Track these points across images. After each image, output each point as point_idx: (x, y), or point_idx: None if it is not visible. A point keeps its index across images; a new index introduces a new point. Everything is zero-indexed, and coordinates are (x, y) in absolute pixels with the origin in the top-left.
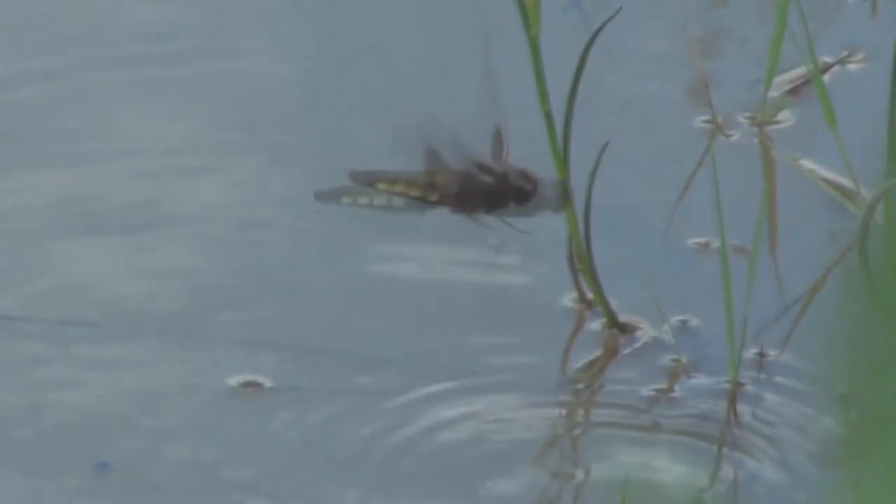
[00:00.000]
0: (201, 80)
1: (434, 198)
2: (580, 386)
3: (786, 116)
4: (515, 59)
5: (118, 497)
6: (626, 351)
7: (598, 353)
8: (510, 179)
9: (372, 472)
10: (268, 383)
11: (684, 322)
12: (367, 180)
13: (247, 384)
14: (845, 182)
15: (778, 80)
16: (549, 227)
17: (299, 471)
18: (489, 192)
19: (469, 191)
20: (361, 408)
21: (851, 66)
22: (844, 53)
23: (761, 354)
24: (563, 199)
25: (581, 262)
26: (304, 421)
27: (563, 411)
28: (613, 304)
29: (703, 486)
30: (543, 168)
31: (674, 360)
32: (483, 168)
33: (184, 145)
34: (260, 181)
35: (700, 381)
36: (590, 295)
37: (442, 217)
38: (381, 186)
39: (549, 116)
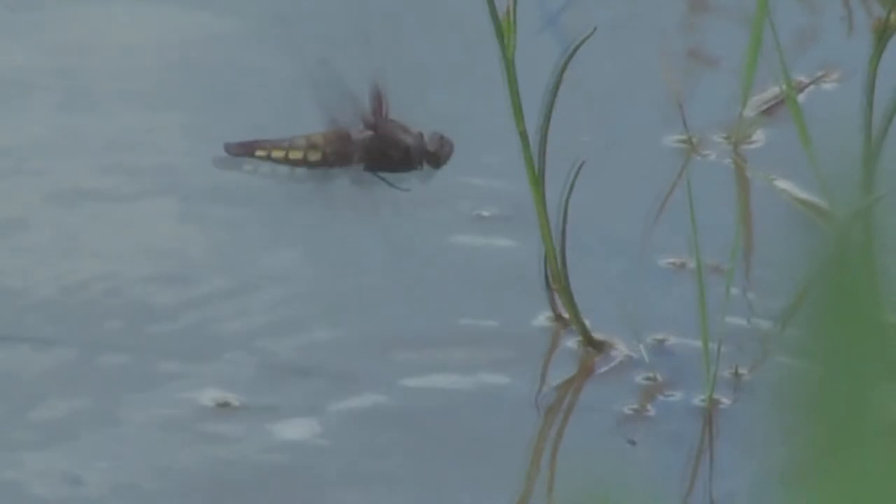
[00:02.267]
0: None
1: (315, 158)
2: (555, 404)
3: (761, 136)
4: (490, 79)
5: None
6: (602, 369)
7: (573, 371)
8: (427, 143)
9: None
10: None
11: (660, 341)
12: (244, 150)
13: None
14: (820, 202)
15: (753, 99)
16: (524, 245)
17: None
18: (404, 155)
19: (381, 150)
20: (330, 426)
21: (827, 86)
22: (820, 73)
23: (737, 373)
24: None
25: (556, 281)
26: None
27: (538, 429)
28: (589, 322)
29: (677, 502)
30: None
31: (649, 379)
32: (398, 130)
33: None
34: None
35: (675, 399)
36: (565, 314)
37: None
38: (260, 154)
39: (524, 136)
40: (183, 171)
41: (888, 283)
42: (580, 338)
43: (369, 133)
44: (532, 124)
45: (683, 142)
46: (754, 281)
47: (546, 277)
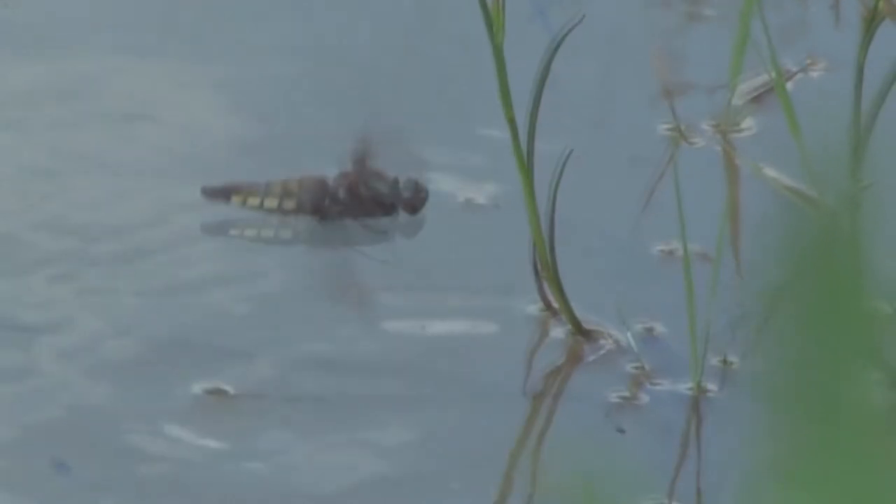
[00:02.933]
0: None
1: (290, 206)
2: (544, 393)
3: (749, 124)
4: (479, 67)
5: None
6: (591, 358)
7: (561, 359)
8: (402, 190)
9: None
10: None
11: (648, 329)
12: (221, 195)
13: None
14: (808, 190)
15: (741, 88)
16: (511, 234)
17: None
18: (380, 202)
19: (357, 197)
20: (319, 417)
21: (815, 74)
22: (808, 61)
23: (725, 361)
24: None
25: (545, 270)
26: None
27: (526, 417)
28: (578, 311)
29: (665, 493)
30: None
31: (638, 367)
32: (374, 178)
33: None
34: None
35: (664, 387)
36: (554, 302)
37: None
38: (235, 199)
39: (512, 123)
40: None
41: (874, 272)
42: (569, 326)
43: (345, 180)
44: (521, 112)
45: (672, 130)
46: (743, 269)
47: (534, 265)
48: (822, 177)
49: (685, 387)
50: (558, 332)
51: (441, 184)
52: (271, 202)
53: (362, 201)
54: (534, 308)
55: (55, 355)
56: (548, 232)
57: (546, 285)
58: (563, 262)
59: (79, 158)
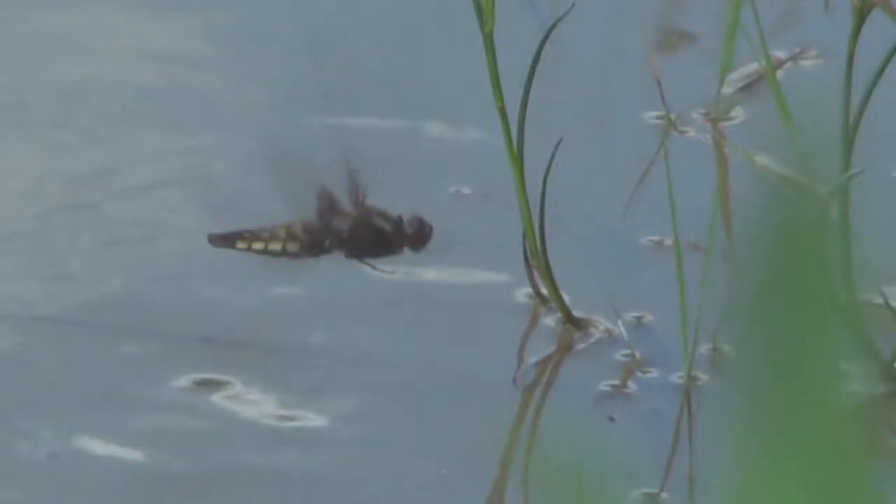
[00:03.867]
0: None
1: (294, 249)
2: (534, 382)
3: (740, 113)
4: (469, 56)
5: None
6: (581, 347)
7: (552, 349)
8: (405, 228)
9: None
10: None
11: (639, 318)
12: (227, 241)
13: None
14: (799, 178)
15: (732, 76)
16: (502, 224)
17: None
18: (383, 239)
19: (361, 237)
20: (307, 406)
21: (806, 63)
22: (798, 50)
23: (715, 350)
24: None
25: (536, 259)
26: None
27: (517, 406)
28: (568, 300)
29: (656, 482)
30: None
31: (628, 357)
32: (375, 214)
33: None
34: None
35: (654, 377)
36: (544, 291)
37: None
38: (241, 245)
39: (503, 112)
40: None
41: (860, 260)
42: (559, 315)
43: (348, 221)
44: (511, 101)
45: (662, 119)
46: (732, 257)
47: (525, 254)
48: (812, 166)
49: (676, 376)
50: (549, 321)
51: (430, 174)
52: (275, 246)
53: (367, 241)
54: (524, 297)
55: None
56: (538, 220)
57: (536, 275)
58: (553, 251)
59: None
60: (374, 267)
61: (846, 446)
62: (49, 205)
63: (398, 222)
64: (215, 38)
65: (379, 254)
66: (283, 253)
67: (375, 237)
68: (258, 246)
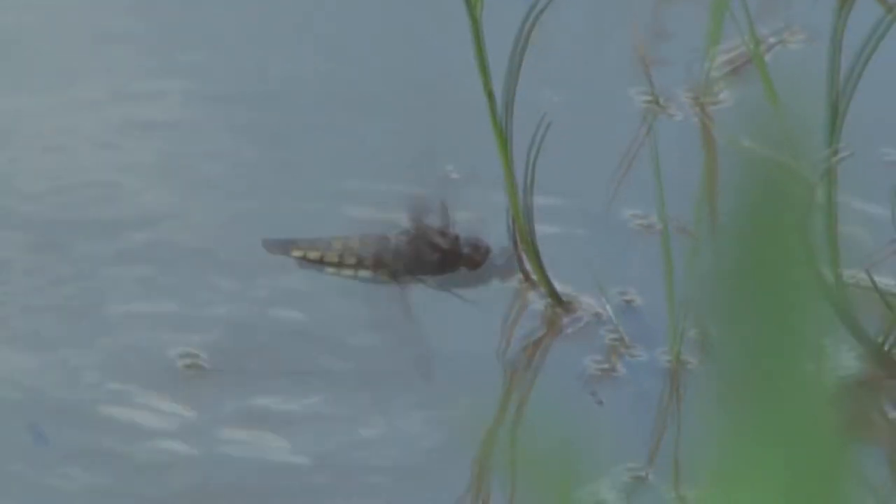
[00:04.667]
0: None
1: (351, 262)
2: (523, 364)
3: (726, 95)
4: (457, 39)
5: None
6: (570, 329)
7: (541, 331)
8: (462, 247)
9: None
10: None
11: (627, 301)
12: (281, 248)
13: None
14: (787, 160)
15: (719, 59)
16: (490, 205)
17: None
18: (441, 259)
19: (418, 254)
20: (294, 392)
21: (792, 45)
22: (785, 33)
23: (701, 331)
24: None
25: (523, 242)
26: None
27: (505, 388)
28: (556, 283)
29: (643, 463)
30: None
31: (616, 338)
32: (434, 234)
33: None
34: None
35: (642, 358)
36: (533, 274)
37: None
38: (296, 253)
39: (491, 96)
40: None
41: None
42: (547, 298)
43: (406, 237)
44: (499, 84)
45: (650, 101)
46: (719, 239)
47: (513, 237)
48: (799, 147)
49: (663, 358)
50: (537, 303)
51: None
52: (332, 257)
53: (424, 259)
54: (512, 280)
55: None
56: (525, 202)
57: (524, 257)
58: (541, 234)
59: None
60: (427, 285)
61: (828, 427)
62: None
63: (455, 241)
64: None
65: (435, 272)
66: (340, 264)
67: (432, 255)
68: (314, 255)
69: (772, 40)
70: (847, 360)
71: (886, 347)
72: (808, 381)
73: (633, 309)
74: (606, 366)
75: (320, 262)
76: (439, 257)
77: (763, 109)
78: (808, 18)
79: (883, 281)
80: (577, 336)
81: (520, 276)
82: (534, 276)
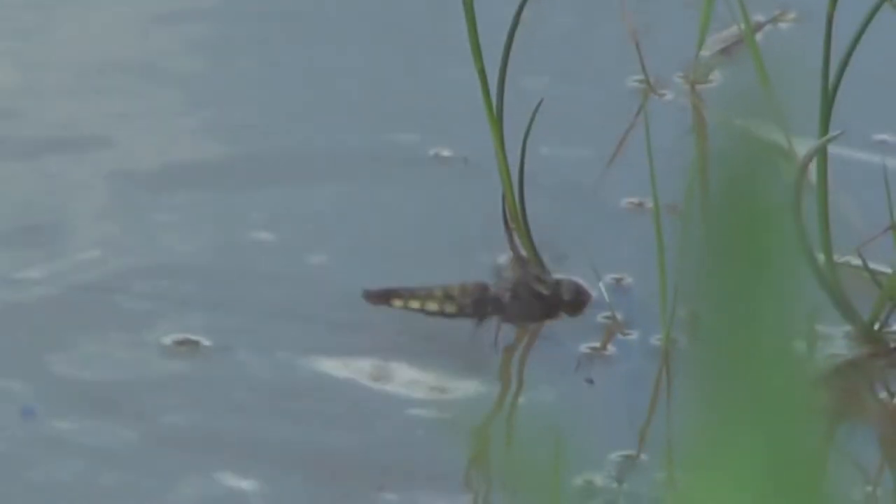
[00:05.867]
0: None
1: (452, 310)
2: (513, 343)
3: (719, 76)
4: (448, 17)
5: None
6: None
7: None
8: (563, 293)
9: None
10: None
11: (618, 280)
12: (383, 298)
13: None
14: (777, 142)
15: (710, 39)
16: (480, 187)
17: None
18: (543, 307)
19: (521, 302)
20: (289, 364)
21: (785, 26)
22: (777, 13)
23: (693, 312)
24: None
25: (515, 221)
26: None
27: (496, 368)
28: (547, 262)
29: (635, 443)
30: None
31: (608, 318)
32: (535, 281)
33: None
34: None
35: (633, 338)
36: (524, 254)
37: None
38: (397, 304)
39: (482, 74)
40: None
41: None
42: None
43: (507, 284)
44: (491, 65)
45: (641, 82)
46: (710, 220)
47: (504, 217)
48: (791, 128)
49: (655, 338)
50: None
51: (409, 137)
52: (432, 305)
53: (525, 305)
54: (504, 260)
55: None
56: (517, 183)
57: (516, 237)
58: (532, 214)
59: None
60: (528, 330)
61: (815, 408)
62: None
63: (556, 287)
64: None
65: (536, 319)
66: (441, 313)
67: (533, 302)
68: (415, 304)
69: (764, 21)
70: (837, 340)
71: (876, 327)
72: (796, 360)
73: (625, 289)
74: (598, 346)
75: (420, 310)
76: (541, 306)
77: (754, 90)
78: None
79: (874, 262)
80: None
81: (511, 256)
82: (526, 257)
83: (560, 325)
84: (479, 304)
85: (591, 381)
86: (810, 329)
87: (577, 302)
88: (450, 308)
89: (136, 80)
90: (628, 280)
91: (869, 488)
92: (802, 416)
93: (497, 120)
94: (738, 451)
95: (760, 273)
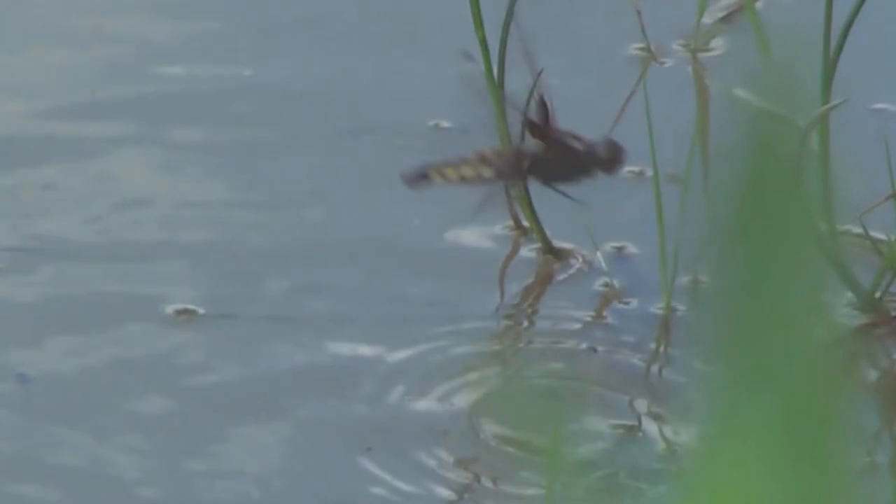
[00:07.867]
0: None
1: (488, 174)
2: (515, 312)
3: (719, 44)
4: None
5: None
6: (561, 277)
7: (532, 279)
8: (598, 150)
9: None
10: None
11: (619, 249)
12: (420, 175)
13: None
14: (779, 110)
15: (711, 7)
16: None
17: None
18: (578, 163)
19: (554, 162)
20: (293, 334)
21: None
22: None
23: (695, 281)
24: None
25: (515, 189)
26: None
27: (497, 336)
28: (548, 230)
29: (633, 413)
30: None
31: (608, 287)
32: (570, 139)
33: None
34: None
35: (633, 306)
36: (525, 222)
37: None
38: (435, 176)
39: (483, 43)
40: None
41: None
42: (539, 245)
43: (540, 145)
44: (492, 34)
45: (642, 50)
46: (711, 189)
47: (505, 185)
48: (792, 97)
49: (655, 306)
50: (528, 251)
51: (410, 108)
52: (468, 171)
53: (561, 165)
54: (504, 228)
55: None
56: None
57: (517, 205)
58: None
59: None
60: (564, 194)
61: (823, 378)
62: None
63: (590, 145)
64: None
65: (572, 177)
66: (478, 178)
67: (570, 160)
68: (451, 174)
69: None
70: (840, 309)
71: (878, 295)
72: (802, 328)
73: (625, 258)
74: (598, 314)
75: (458, 179)
76: (576, 164)
77: (755, 58)
78: None
79: (874, 230)
80: (569, 284)
81: (510, 223)
82: (526, 224)
83: (560, 293)
84: (515, 165)
85: (592, 349)
86: (817, 297)
87: (612, 159)
88: (486, 172)
89: None
90: (628, 248)
91: (868, 457)
92: (817, 382)
93: (498, 87)
94: (748, 420)
95: (769, 242)
